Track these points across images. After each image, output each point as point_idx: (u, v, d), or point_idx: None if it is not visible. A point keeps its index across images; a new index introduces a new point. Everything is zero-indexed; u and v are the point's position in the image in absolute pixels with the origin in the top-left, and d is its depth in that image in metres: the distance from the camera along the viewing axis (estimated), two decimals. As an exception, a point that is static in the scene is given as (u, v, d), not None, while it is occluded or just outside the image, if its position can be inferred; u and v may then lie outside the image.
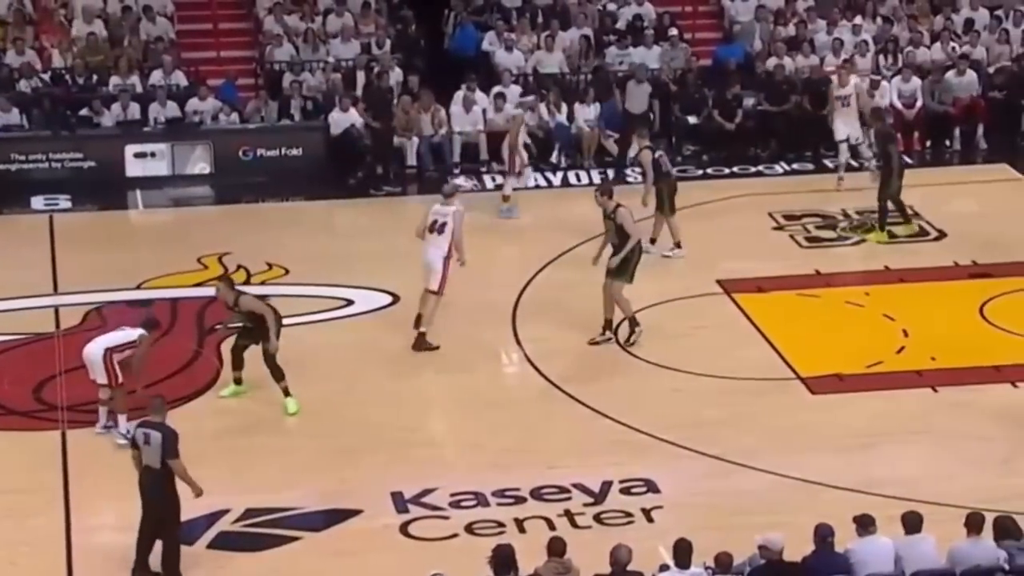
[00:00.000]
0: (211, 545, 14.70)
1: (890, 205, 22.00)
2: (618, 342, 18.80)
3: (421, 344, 18.77)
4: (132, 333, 16.74)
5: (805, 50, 27.35)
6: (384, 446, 16.60)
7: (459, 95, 25.91)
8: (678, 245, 21.48)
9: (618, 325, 18.84)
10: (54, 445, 16.60)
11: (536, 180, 24.79)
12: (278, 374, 17.19)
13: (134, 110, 25.36)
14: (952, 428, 17.00)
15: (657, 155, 21.52)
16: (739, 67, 27.12)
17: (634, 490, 15.65)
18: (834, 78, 24.86)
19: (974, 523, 13.08)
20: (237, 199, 24.23)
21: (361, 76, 26.55)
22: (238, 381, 17.52)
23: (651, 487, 15.69)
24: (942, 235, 22.39)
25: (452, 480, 15.76)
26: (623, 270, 18.70)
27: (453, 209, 18.90)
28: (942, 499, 14.87)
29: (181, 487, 14.06)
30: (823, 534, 12.89)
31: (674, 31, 27.88)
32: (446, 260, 18.76)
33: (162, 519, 14.03)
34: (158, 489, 14.00)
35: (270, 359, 17.12)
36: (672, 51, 27.36)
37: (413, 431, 16.99)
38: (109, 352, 16.48)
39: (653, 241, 21.29)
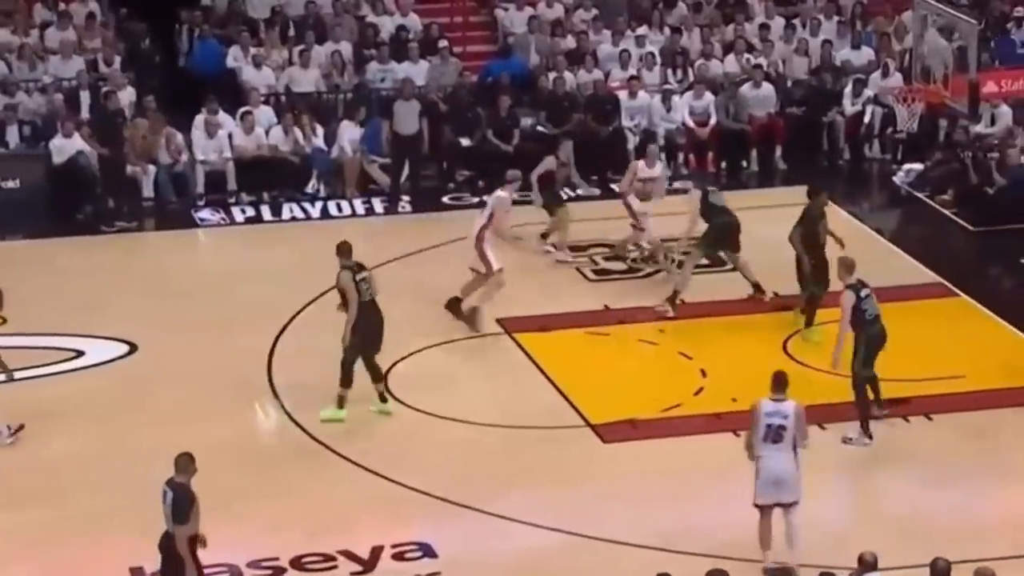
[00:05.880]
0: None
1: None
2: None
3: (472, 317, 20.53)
4: None
5: (588, 64, 27.68)
6: (126, 513, 16.27)
7: (200, 119, 25.64)
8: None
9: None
10: None
11: (292, 212, 24.72)
12: None
13: None
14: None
15: None
16: (515, 83, 27.28)
17: (408, 555, 15.66)
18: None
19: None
20: (-54, 238, 23.70)
21: (86, 97, 26.19)
22: None
23: (427, 551, 15.71)
24: (740, 265, 22.77)
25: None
26: (703, 245, 21.40)
27: (496, 195, 21.03)
28: (747, 554, 15.08)
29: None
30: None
31: (443, 44, 28.00)
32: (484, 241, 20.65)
33: None
34: (168, 552, 13.84)
35: None
36: (441, 66, 27.47)
37: (156, 493, 16.67)
38: None
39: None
